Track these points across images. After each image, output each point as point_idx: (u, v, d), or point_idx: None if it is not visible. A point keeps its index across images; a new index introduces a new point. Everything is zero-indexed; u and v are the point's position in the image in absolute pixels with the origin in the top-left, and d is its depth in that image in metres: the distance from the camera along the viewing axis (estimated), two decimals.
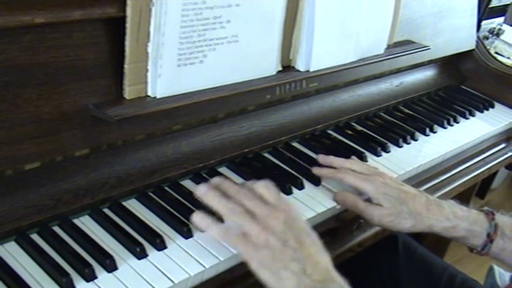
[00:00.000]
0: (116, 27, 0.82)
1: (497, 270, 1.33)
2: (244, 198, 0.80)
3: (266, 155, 1.08)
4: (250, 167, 1.03)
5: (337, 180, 1.01)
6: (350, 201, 0.96)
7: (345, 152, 1.13)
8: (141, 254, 0.79)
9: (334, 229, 1.01)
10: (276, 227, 0.76)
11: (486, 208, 0.99)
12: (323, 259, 0.76)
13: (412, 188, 0.98)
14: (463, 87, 1.60)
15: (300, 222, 0.79)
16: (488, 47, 1.68)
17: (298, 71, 1.08)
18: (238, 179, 0.99)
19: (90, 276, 0.74)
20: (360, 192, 0.98)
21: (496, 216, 0.96)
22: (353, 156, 1.09)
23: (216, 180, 0.85)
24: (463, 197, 1.57)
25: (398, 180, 1.02)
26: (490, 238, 0.94)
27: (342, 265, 0.79)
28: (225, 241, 0.80)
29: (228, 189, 0.82)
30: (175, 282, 0.76)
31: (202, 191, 0.82)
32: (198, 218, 0.80)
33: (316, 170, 1.03)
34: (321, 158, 1.06)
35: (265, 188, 0.81)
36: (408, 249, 1.25)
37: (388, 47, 1.26)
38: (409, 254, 1.24)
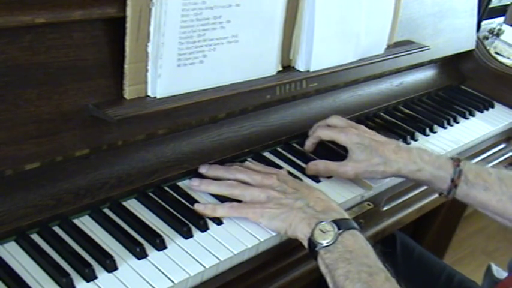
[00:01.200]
0: (116, 27, 0.82)
1: (495, 268, 1.33)
2: (236, 173, 0.91)
3: (266, 154, 1.08)
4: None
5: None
6: (322, 167, 1.03)
7: (345, 152, 1.13)
8: (141, 254, 0.79)
9: None
10: (273, 184, 0.89)
11: (455, 155, 1.04)
12: (322, 195, 0.88)
13: (384, 137, 1.04)
14: (463, 87, 1.60)
15: (291, 177, 0.92)
16: (488, 47, 1.68)
17: (298, 71, 1.08)
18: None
19: (90, 276, 0.74)
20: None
21: (461, 162, 1.00)
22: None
23: (202, 168, 0.95)
24: None
25: (370, 130, 1.07)
26: (454, 183, 0.99)
27: None
28: (233, 214, 0.87)
29: (217, 172, 0.93)
30: (175, 282, 0.76)
31: (196, 183, 0.92)
32: (202, 207, 0.88)
33: (304, 149, 1.10)
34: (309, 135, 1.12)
35: (250, 163, 0.95)
36: (406, 249, 1.25)
37: (388, 47, 1.26)
38: (407, 254, 1.24)
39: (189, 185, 0.93)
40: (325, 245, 0.79)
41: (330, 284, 0.79)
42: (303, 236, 0.82)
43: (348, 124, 1.07)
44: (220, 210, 0.87)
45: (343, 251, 0.78)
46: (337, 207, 0.86)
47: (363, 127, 1.07)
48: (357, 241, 0.80)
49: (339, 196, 1.00)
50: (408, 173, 1.00)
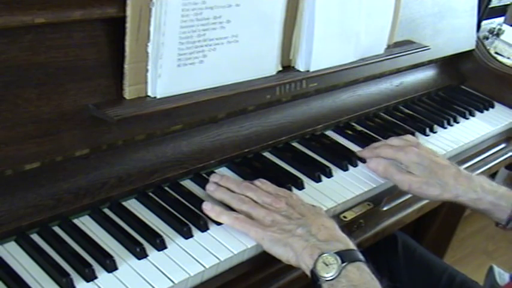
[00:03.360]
0: (116, 27, 0.81)
1: (497, 270, 1.33)
2: (246, 191, 0.90)
3: (266, 154, 1.08)
4: (250, 167, 1.03)
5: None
6: (382, 167, 1.03)
7: (345, 152, 1.13)
8: (141, 254, 0.79)
9: None
10: (280, 208, 0.87)
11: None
12: (327, 223, 0.84)
13: (445, 160, 1.05)
14: (463, 87, 1.60)
15: (301, 202, 0.89)
16: (488, 47, 1.68)
17: (298, 71, 1.08)
18: (238, 179, 0.99)
19: (90, 276, 0.74)
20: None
21: None
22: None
23: (215, 178, 0.94)
24: None
25: (431, 150, 1.07)
26: None
27: None
28: (236, 226, 0.85)
29: (229, 185, 0.92)
30: (175, 282, 0.76)
31: (212, 188, 0.92)
32: (209, 207, 0.87)
33: (359, 153, 1.11)
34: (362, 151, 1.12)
35: (261, 182, 0.93)
36: (408, 249, 1.25)
37: (388, 47, 1.26)
38: (408, 255, 1.24)
39: (206, 188, 0.93)
40: (328, 278, 0.76)
41: None
42: (305, 267, 0.79)
43: (408, 143, 1.07)
44: (225, 218, 0.86)
45: (348, 285, 0.75)
46: (342, 236, 0.82)
47: (422, 145, 1.07)
48: (362, 275, 0.77)
49: (340, 196, 1.00)
50: (467, 200, 1.00)
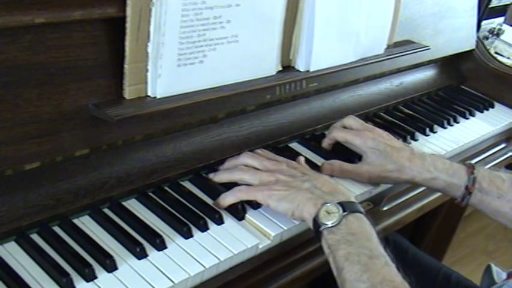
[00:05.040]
0: (116, 27, 0.81)
1: (495, 269, 1.33)
2: (247, 159, 0.94)
3: None
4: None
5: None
6: (337, 166, 1.04)
7: (345, 152, 1.13)
8: (141, 254, 0.79)
9: None
10: (282, 169, 0.91)
11: (468, 162, 1.04)
12: (330, 179, 0.90)
13: (399, 142, 1.06)
14: (463, 87, 1.60)
15: (300, 165, 0.94)
16: (488, 47, 1.68)
17: (298, 71, 1.08)
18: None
19: (90, 276, 0.74)
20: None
21: (475, 170, 1.00)
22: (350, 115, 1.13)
23: (220, 166, 0.98)
24: None
25: (385, 134, 1.07)
26: (468, 190, 0.99)
27: None
28: (243, 197, 0.89)
29: (230, 163, 0.96)
30: (175, 282, 0.76)
31: (212, 175, 0.95)
32: (215, 202, 0.90)
33: (322, 145, 1.13)
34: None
35: (260, 151, 0.98)
36: (400, 249, 1.25)
37: (388, 47, 1.26)
38: (400, 255, 1.23)
39: (208, 175, 0.96)
40: (329, 225, 0.80)
41: (332, 265, 0.80)
42: (308, 216, 0.83)
43: (363, 126, 1.07)
44: (229, 197, 0.89)
45: (346, 233, 0.79)
46: (345, 191, 0.88)
47: (378, 130, 1.07)
48: (361, 224, 0.81)
49: None
50: (422, 181, 1.01)
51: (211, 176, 0.95)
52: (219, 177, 0.94)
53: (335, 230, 0.80)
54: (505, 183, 0.99)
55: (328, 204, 0.82)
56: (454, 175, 1.00)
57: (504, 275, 1.28)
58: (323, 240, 0.81)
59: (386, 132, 1.07)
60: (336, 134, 1.08)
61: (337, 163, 1.04)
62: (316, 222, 0.82)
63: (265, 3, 0.97)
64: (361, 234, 0.79)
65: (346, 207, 0.82)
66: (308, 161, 1.07)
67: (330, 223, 0.80)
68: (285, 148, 1.12)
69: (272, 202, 0.87)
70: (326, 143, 1.11)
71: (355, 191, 1.02)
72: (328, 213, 0.81)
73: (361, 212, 0.83)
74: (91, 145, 0.84)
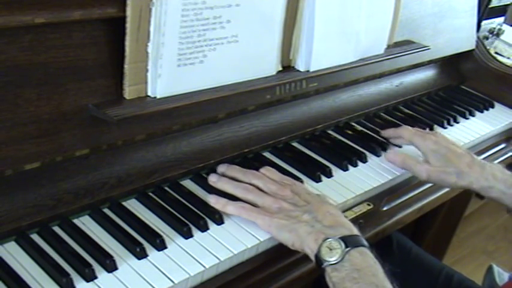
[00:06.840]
0: (116, 27, 0.81)
1: (496, 269, 1.33)
2: (252, 179, 0.92)
3: (266, 154, 1.08)
4: (250, 167, 1.03)
5: None
6: (400, 159, 1.08)
7: (345, 152, 1.13)
8: (141, 254, 0.79)
9: None
10: (286, 196, 0.89)
11: None
12: (332, 210, 0.86)
13: (461, 148, 1.10)
14: (463, 87, 1.60)
15: (306, 190, 0.91)
16: (488, 47, 1.68)
17: (298, 71, 1.08)
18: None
19: (90, 276, 0.74)
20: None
21: None
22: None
23: (221, 167, 0.97)
24: (463, 197, 1.57)
25: (449, 139, 1.12)
26: None
27: None
28: (243, 215, 0.87)
29: (235, 174, 0.94)
30: (175, 282, 0.76)
31: (214, 179, 0.93)
32: (214, 200, 0.89)
33: (382, 133, 1.20)
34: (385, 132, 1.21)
35: (267, 169, 0.95)
36: (403, 249, 1.25)
37: (388, 47, 1.26)
38: (403, 255, 1.24)
39: (208, 179, 0.94)
40: (332, 262, 0.78)
41: None
42: (309, 251, 0.81)
43: (425, 131, 1.13)
44: (231, 208, 0.88)
45: (351, 269, 0.77)
46: (347, 223, 0.84)
47: (442, 135, 1.12)
48: (365, 259, 0.78)
49: (340, 196, 1.00)
50: (479, 188, 1.04)
51: (213, 179, 0.94)
52: (222, 185, 0.92)
53: (339, 267, 0.77)
54: None
55: (330, 240, 0.79)
56: (511, 187, 1.02)
57: (506, 276, 1.28)
58: (327, 277, 0.78)
59: (448, 137, 1.12)
60: (404, 131, 1.14)
61: (401, 155, 1.08)
62: (318, 258, 0.79)
63: (265, 3, 0.97)
64: (366, 270, 0.77)
65: (349, 242, 0.79)
66: (308, 161, 1.08)
67: (332, 260, 0.77)
68: (286, 147, 1.12)
69: (272, 231, 0.85)
70: (388, 134, 1.17)
71: (354, 191, 1.02)
72: (330, 249, 0.78)
73: (364, 246, 0.80)
74: (91, 145, 0.84)
